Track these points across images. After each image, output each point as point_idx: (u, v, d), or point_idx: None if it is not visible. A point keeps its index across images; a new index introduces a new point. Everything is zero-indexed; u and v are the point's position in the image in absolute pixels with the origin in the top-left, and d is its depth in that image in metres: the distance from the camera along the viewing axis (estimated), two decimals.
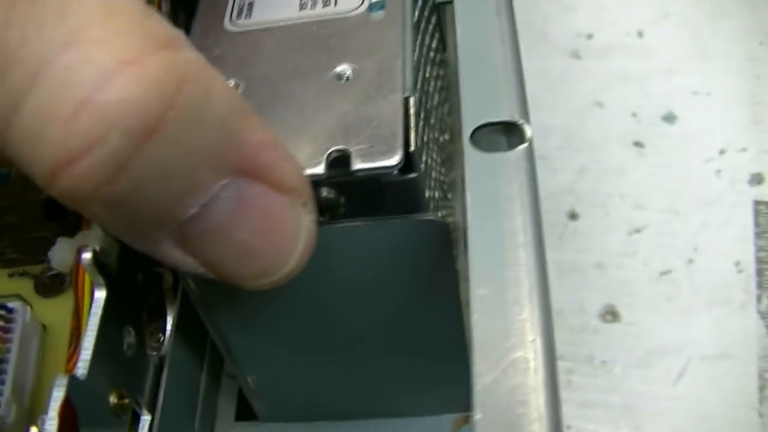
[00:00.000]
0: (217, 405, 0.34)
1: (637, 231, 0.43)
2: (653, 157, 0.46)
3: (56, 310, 0.31)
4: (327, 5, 0.27)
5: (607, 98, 0.49)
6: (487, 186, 0.21)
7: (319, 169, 0.23)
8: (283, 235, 0.20)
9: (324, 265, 0.25)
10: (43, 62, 0.17)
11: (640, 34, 0.52)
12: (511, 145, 0.22)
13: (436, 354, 0.29)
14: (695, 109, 0.48)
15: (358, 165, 0.23)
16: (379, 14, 0.26)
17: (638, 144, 0.46)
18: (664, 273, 0.41)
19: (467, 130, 0.23)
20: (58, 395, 0.23)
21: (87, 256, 0.25)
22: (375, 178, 0.23)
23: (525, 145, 0.22)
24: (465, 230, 0.21)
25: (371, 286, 0.26)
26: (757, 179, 0.44)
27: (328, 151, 0.23)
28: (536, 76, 0.49)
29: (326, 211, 0.24)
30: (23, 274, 0.32)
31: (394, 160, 0.22)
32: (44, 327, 0.30)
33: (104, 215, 0.19)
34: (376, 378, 0.30)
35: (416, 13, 0.28)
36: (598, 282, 0.41)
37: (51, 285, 0.32)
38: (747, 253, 0.42)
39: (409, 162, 0.23)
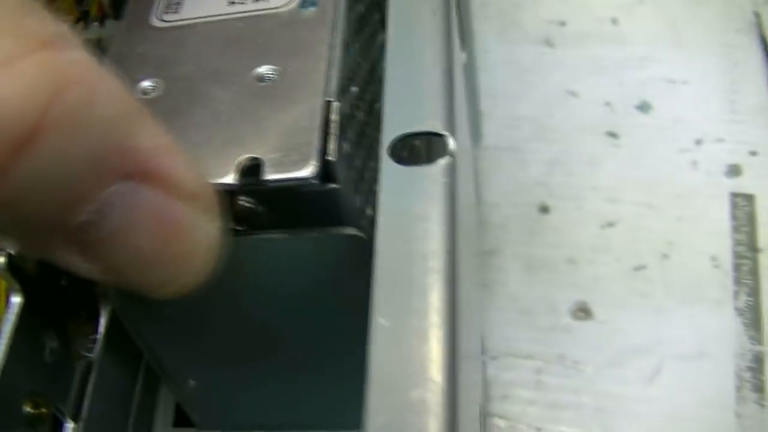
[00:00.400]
0: (154, 411, 0.33)
1: (610, 225, 0.41)
2: (627, 148, 0.45)
3: None
4: (257, 0, 0.26)
5: (581, 87, 0.47)
6: (401, 202, 0.20)
7: (229, 178, 0.21)
8: (180, 242, 0.19)
9: (244, 274, 0.23)
10: None
11: (615, 21, 0.50)
12: (432, 159, 0.21)
13: (358, 368, 0.27)
14: (671, 98, 0.46)
15: (269, 175, 0.21)
16: (310, 11, 0.25)
17: (612, 134, 0.45)
18: (637, 268, 0.40)
19: (386, 141, 0.21)
20: None
21: (0, 260, 0.24)
22: (290, 188, 0.21)
23: (446, 158, 0.21)
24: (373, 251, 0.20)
25: (291, 297, 0.25)
26: (734, 171, 0.43)
27: (239, 159, 0.21)
28: (506, 64, 0.48)
29: (244, 221, 0.23)
30: None
31: (307, 171, 0.21)
32: None
33: None
34: (306, 389, 0.29)
35: (359, 8, 0.27)
36: (569, 278, 0.40)
37: None
38: (724, 248, 0.40)
39: (327, 172, 0.21)
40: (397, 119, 0.21)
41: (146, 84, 0.24)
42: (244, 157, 0.21)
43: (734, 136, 0.44)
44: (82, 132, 0.17)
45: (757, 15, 0.49)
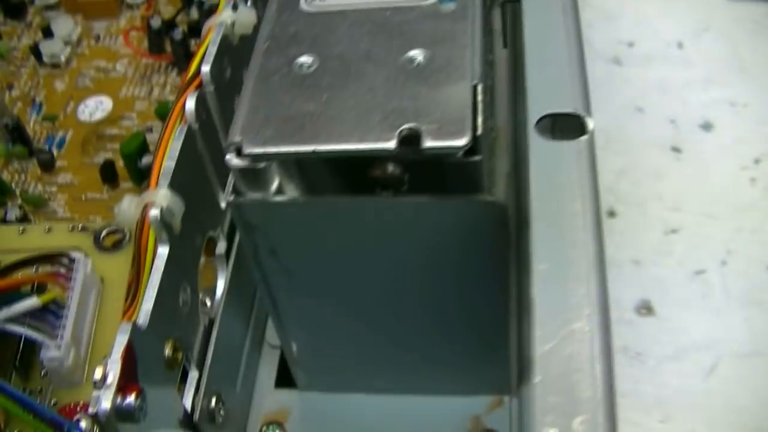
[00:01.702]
0: (257, 372, 0.36)
1: (674, 231, 0.44)
2: (690, 162, 0.48)
3: (113, 265, 0.33)
4: None
5: (647, 104, 0.50)
6: (552, 171, 0.23)
7: (391, 144, 0.24)
8: None
9: (384, 238, 0.26)
10: None
11: (680, 45, 0.53)
12: (573, 135, 0.24)
13: (476, 335, 0.30)
14: (732, 119, 0.49)
15: (428, 143, 0.24)
16: (449, 6, 0.28)
17: (676, 149, 0.48)
18: (698, 272, 0.43)
19: (533, 118, 0.24)
20: (121, 340, 0.24)
21: (155, 213, 0.27)
22: (442, 157, 0.24)
23: (587, 135, 0.24)
24: (527, 211, 0.23)
25: (426, 262, 0.27)
26: None
27: (400, 128, 0.24)
28: None
29: (390, 186, 0.26)
30: (83, 230, 0.34)
31: (464, 140, 0.24)
32: (102, 280, 0.32)
33: None
34: (416, 355, 0.32)
35: (487, 3, 0.30)
36: (634, 278, 0.43)
37: (109, 241, 0.34)
38: None
39: (474, 145, 0.24)
40: (541, 101, 0.25)
41: (303, 60, 0.27)
42: (404, 126, 0.24)
43: None
44: None
45: None
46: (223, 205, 0.32)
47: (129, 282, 0.28)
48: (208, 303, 0.32)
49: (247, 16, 0.33)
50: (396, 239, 0.27)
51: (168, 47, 0.45)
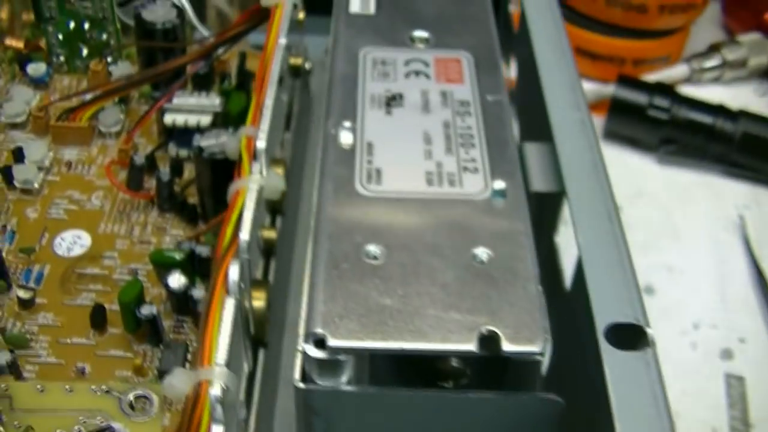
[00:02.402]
0: None
1: None
2: None
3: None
4: (453, 185, 0.30)
5: None
6: (627, 381, 0.25)
7: (471, 346, 0.26)
8: None
9: (440, 425, 0.27)
10: None
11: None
12: (639, 346, 0.26)
13: None
14: (671, 284, 0.53)
15: (506, 347, 0.26)
16: (500, 201, 0.30)
17: None
18: None
19: (600, 327, 0.26)
20: None
21: (215, 392, 0.27)
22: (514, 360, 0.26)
23: (652, 348, 0.26)
24: (611, 415, 0.24)
25: None
26: (727, 354, 0.49)
27: (479, 330, 0.26)
28: None
29: (451, 380, 0.27)
30: (107, 392, 0.33)
31: (539, 347, 0.26)
32: None
33: None
34: None
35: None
36: None
37: (136, 406, 0.33)
38: (721, 421, 0.46)
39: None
40: (605, 309, 0.27)
41: (370, 249, 0.28)
42: (483, 329, 0.26)
43: (725, 324, 0.51)
44: None
45: (742, 218, 0.57)
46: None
47: None
48: None
49: (277, 182, 0.34)
50: (452, 427, 0.28)
51: (146, 184, 0.45)
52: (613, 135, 0.61)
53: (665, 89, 0.59)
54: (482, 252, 0.28)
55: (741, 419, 0.46)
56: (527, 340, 0.26)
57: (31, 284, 0.41)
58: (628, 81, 0.60)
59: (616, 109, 0.60)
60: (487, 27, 0.38)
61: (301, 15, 0.46)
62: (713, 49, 0.68)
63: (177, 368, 0.29)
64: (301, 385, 0.27)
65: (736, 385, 0.48)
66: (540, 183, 0.32)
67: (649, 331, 0.27)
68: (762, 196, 0.59)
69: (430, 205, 0.30)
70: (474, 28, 0.38)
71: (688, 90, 0.64)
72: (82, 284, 0.41)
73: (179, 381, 0.28)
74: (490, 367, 0.27)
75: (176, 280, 0.37)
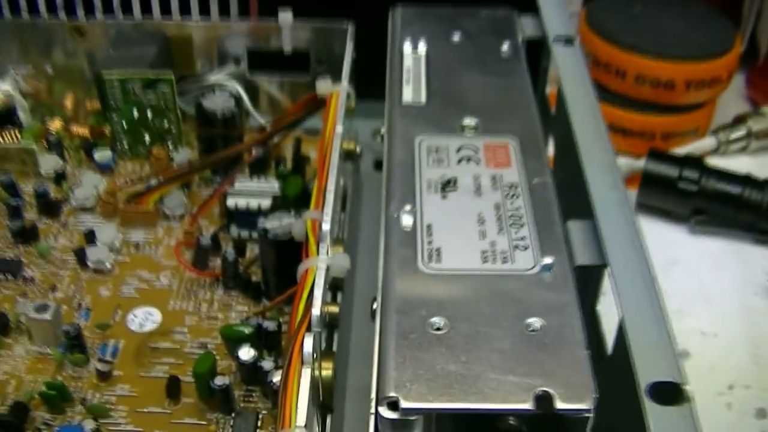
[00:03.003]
0: None
1: None
2: None
3: None
4: (506, 262, 0.33)
5: None
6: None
7: (528, 405, 0.28)
8: None
9: None
10: None
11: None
12: (678, 401, 0.29)
13: None
14: (705, 347, 0.55)
15: (559, 405, 0.28)
16: (548, 275, 0.33)
17: None
18: None
19: (643, 384, 0.29)
20: None
21: None
22: (569, 416, 0.28)
23: (690, 403, 0.29)
24: None
25: None
26: (761, 413, 0.52)
27: (534, 391, 0.29)
28: None
29: None
30: None
31: (589, 404, 0.28)
32: None
33: None
34: None
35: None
36: None
37: None
38: None
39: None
40: (647, 369, 0.29)
41: (434, 320, 0.31)
42: (539, 389, 0.29)
43: (758, 384, 0.53)
44: None
45: None
46: None
47: None
48: None
49: (342, 261, 0.37)
50: None
51: (209, 263, 0.48)
52: (645, 207, 0.64)
53: (694, 162, 0.62)
54: (534, 321, 0.31)
55: None
56: (578, 399, 0.28)
57: (108, 357, 0.44)
58: (658, 155, 0.63)
59: (648, 182, 0.63)
60: (530, 112, 0.41)
61: (353, 103, 0.49)
62: (739, 120, 0.71)
63: None
64: None
65: None
66: (583, 257, 0.35)
67: (687, 388, 0.29)
68: None
69: (487, 280, 0.33)
70: (518, 113, 0.41)
71: (716, 161, 0.67)
72: (155, 357, 0.44)
73: None
74: (545, 424, 0.29)
75: (246, 353, 0.40)
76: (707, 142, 0.69)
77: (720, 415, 0.52)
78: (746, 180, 0.62)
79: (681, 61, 0.65)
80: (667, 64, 0.65)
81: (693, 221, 0.63)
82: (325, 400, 0.37)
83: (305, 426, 0.31)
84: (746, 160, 0.70)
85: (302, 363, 0.33)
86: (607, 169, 0.38)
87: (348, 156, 0.49)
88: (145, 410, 0.41)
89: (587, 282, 0.38)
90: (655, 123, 0.68)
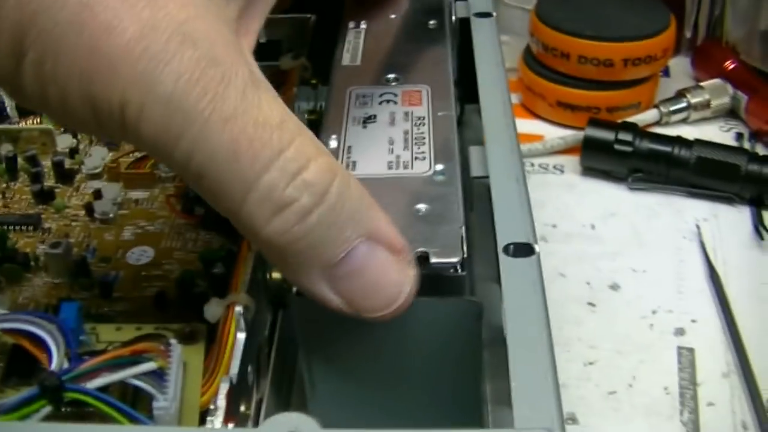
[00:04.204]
0: None
1: (591, 363, 0.57)
2: (602, 313, 0.61)
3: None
4: (407, 168, 0.42)
5: (568, 271, 0.64)
6: (518, 281, 0.36)
7: None
8: (396, 281, 0.34)
9: (397, 328, 0.38)
10: (281, 150, 0.31)
11: (593, 226, 0.68)
12: (526, 255, 0.37)
13: (456, 405, 0.41)
14: (634, 281, 0.63)
15: (433, 260, 0.37)
16: (440, 177, 0.42)
17: (591, 304, 0.61)
18: (611, 393, 0.55)
19: (501, 244, 0.37)
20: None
21: (239, 309, 0.39)
22: (442, 270, 0.37)
23: (536, 255, 0.37)
24: (503, 309, 0.35)
25: (423, 347, 0.38)
26: (680, 332, 0.59)
27: (416, 251, 0.37)
28: None
29: None
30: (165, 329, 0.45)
31: (457, 257, 0.37)
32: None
33: (283, 255, 0.32)
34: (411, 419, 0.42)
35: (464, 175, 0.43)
36: (563, 397, 0.55)
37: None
38: (672, 382, 0.56)
39: (462, 263, 0.37)
40: (505, 231, 0.38)
41: None
42: (418, 250, 0.37)
43: (680, 309, 0.61)
44: (346, 199, 0.32)
45: (699, 227, 0.67)
46: None
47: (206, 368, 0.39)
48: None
49: None
50: (406, 327, 0.38)
51: (197, 210, 0.57)
52: (588, 169, 0.73)
53: (628, 126, 0.71)
54: (422, 206, 0.39)
55: (689, 380, 0.56)
56: (448, 255, 0.37)
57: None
58: (596, 122, 0.71)
59: (588, 146, 0.71)
60: (444, 67, 0.50)
61: (311, 76, 0.58)
62: (680, 95, 0.79)
63: (213, 298, 0.40)
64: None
65: (686, 354, 0.58)
66: (476, 171, 0.44)
67: (535, 246, 0.37)
68: (718, 210, 0.69)
69: (388, 181, 0.42)
70: (433, 69, 0.50)
71: (660, 130, 0.75)
72: (148, 282, 0.53)
73: (215, 305, 0.40)
74: (432, 282, 0.38)
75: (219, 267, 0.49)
76: (649, 114, 0.77)
77: (642, 333, 0.59)
78: (676, 140, 0.70)
79: (617, 42, 0.73)
80: (604, 45, 0.73)
81: (630, 179, 0.71)
82: None
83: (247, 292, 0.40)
84: (688, 129, 0.78)
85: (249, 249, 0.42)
86: (500, 103, 0.47)
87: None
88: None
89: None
90: (599, 98, 0.76)
